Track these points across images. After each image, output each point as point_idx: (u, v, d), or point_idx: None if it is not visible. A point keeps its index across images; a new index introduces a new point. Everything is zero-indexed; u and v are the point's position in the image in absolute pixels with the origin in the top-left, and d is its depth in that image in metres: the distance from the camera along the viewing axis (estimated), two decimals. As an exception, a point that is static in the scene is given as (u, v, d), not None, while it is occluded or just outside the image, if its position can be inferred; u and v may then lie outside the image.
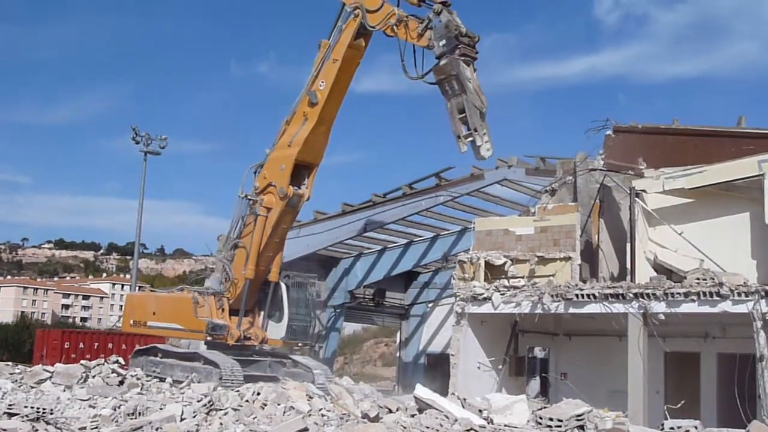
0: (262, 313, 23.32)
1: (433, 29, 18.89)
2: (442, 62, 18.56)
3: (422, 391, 15.01)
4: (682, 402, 17.84)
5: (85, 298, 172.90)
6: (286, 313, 23.10)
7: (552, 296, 20.03)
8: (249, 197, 22.65)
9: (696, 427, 14.49)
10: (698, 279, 18.42)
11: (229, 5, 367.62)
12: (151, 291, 27.89)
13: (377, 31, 20.40)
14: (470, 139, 18.37)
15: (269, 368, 22.65)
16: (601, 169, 23.09)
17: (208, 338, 22.46)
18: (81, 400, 17.96)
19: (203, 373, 21.31)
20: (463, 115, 18.40)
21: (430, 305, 44.13)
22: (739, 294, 17.67)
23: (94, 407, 17.04)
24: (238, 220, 23.13)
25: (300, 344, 24.60)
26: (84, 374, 21.64)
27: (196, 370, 21.73)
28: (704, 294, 18.02)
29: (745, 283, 18.03)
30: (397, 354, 48.05)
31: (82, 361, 23.08)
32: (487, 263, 22.12)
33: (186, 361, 22.54)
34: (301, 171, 22.39)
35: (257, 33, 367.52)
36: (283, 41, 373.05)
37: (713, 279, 18.19)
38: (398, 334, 47.14)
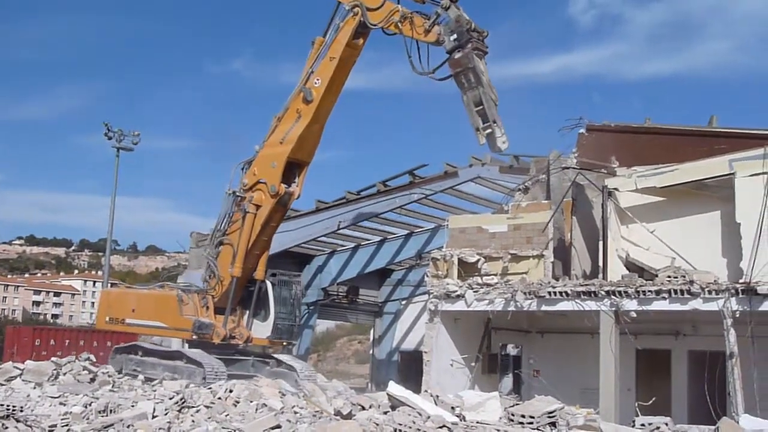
0: (247, 311, 23.06)
1: (441, 24, 18.95)
2: (458, 55, 18.69)
3: (395, 388, 15.01)
4: (653, 399, 17.98)
5: (57, 294, 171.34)
6: (272, 312, 22.85)
7: (525, 294, 20.07)
8: (237, 194, 22.42)
9: (667, 424, 14.59)
10: (669, 277, 18.54)
11: (204, 2, 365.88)
12: (128, 287, 27.48)
13: (377, 29, 20.36)
14: (488, 131, 18.51)
15: (252, 368, 22.44)
16: (574, 168, 23.17)
17: (194, 337, 22.17)
18: (52, 397, 17.85)
19: (186, 372, 21.04)
20: (480, 107, 18.53)
21: (404, 303, 44.12)
22: (709, 292, 17.78)
23: (64, 404, 16.94)
24: (224, 217, 22.89)
25: (285, 343, 24.44)
26: (55, 371, 21.51)
27: (179, 369, 21.44)
28: (675, 292, 18.11)
29: (715, 281, 18.17)
30: (371, 351, 48.00)
31: (53, 359, 22.93)
32: (460, 260, 22.14)
33: (168, 360, 22.25)
34: (292, 168, 22.21)
35: (232, 30, 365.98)
36: (258, 38, 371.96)
37: (684, 277, 18.30)
38: (372, 331, 47.11)
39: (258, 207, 22.08)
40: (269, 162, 21.95)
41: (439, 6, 19.19)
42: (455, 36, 18.77)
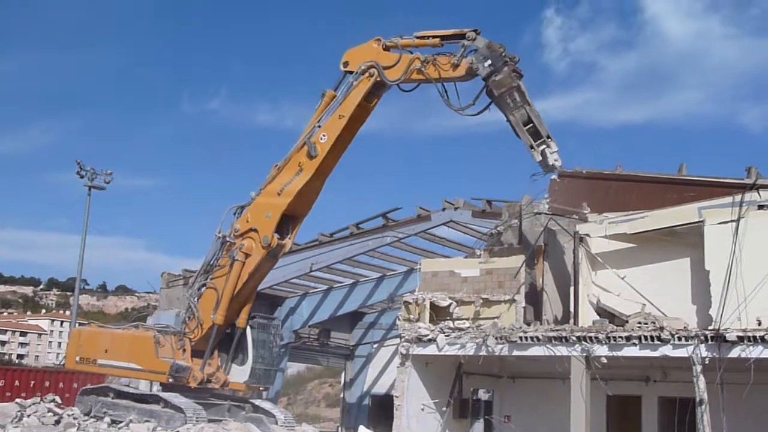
0: (224, 355, 22.60)
1: (470, 56, 18.89)
2: (499, 77, 18.50)
3: (366, 432, 14.93)
4: (624, 445, 18.00)
5: (23, 334, 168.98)
6: (250, 357, 22.34)
7: (496, 338, 20.08)
8: (227, 239, 21.98)
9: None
10: (640, 323, 18.63)
11: (181, 41, 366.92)
12: (100, 327, 26.89)
13: (396, 84, 20.12)
14: (543, 147, 18.39)
15: (228, 412, 22.00)
16: (546, 213, 23.32)
17: (170, 380, 21.69)
18: (15, 439, 17.54)
19: (165, 417, 20.53)
20: (530, 125, 18.46)
21: (375, 346, 44.04)
22: (679, 338, 17.88)
23: (29, 447, 16.65)
24: (211, 259, 22.48)
25: (262, 388, 24.01)
26: (19, 413, 21.18)
27: (156, 413, 20.90)
28: (645, 338, 18.20)
29: (685, 327, 18.28)
30: (342, 395, 47.73)
31: (18, 400, 22.58)
32: (432, 304, 22.12)
33: (143, 404, 21.70)
34: (286, 220, 21.80)
35: (209, 69, 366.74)
36: (235, 78, 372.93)
37: (654, 323, 18.39)
38: (343, 374, 46.89)
39: (247, 255, 21.57)
40: (264, 211, 21.41)
41: (464, 39, 19.07)
42: (490, 62, 18.62)
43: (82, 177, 54.04)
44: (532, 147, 18.53)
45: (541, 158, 18.54)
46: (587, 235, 21.72)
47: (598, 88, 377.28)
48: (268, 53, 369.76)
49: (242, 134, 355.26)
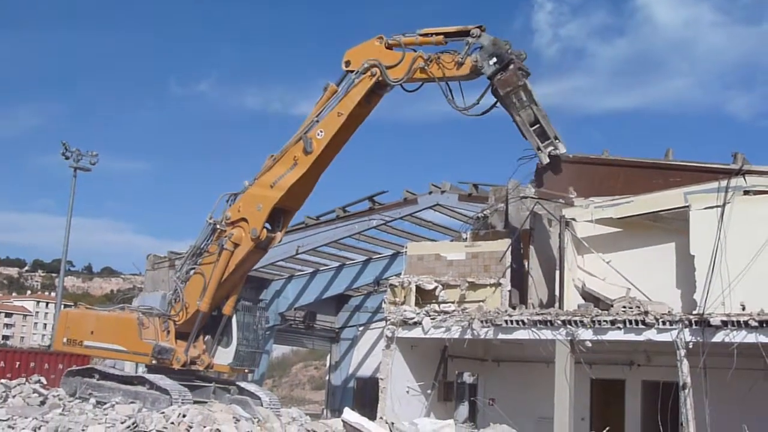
0: (209, 338, 22.56)
1: (475, 53, 18.49)
2: (505, 75, 18.16)
3: (350, 415, 14.95)
4: (607, 429, 18.08)
5: (8, 315, 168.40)
6: (234, 339, 22.28)
7: (481, 322, 20.10)
8: (218, 226, 21.75)
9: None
10: (624, 307, 18.68)
11: (171, 23, 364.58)
12: (88, 308, 26.67)
13: (399, 84, 19.63)
14: (550, 148, 18.10)
15: (213, 394, 21.99)
16: (532, 197, 23.33)
17: (153, 362, 21.62)
18: (0, 420, 17.48)
19: (150, 399, 20.49)
20: (536, 126, 18.13)
21: (361, 329, 44.12)
22: (663, 323, 17.94)
23: (13, 428, 16.59)
24: (201, 244, 22.31)
25: (246, 371, 24.00)
26: (4, 394, 21.10)
27: (141, 395, 20.85)
28: (630, 322, 18.25)
29: (669, 312, 18.34)
30: (327, 377, 47.86)
31: (2, 381, 22.49)
32: (418, 288, 22.13)
33: (128, 385, 21.66)
34: (277, 213, 21.59)
35: (199, 52, 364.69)
36: (225, 61, 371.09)
37: (639, 307, 18.45)
38: (328, 357, 47.00)
39: (236, 245, 21.34)
40: (255, 203, 21.11)
41: (468, 36, 18.61)
42: (495, 59, 18.20)
43: (67, 158, 53.99)
44: (539, 149, 18.26)
45: (548, 161, 18.31)
46: (573, 219, 21.77)
47: (588, 74, 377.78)
48: (257, 36, 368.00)
49: (231, 118, 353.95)
